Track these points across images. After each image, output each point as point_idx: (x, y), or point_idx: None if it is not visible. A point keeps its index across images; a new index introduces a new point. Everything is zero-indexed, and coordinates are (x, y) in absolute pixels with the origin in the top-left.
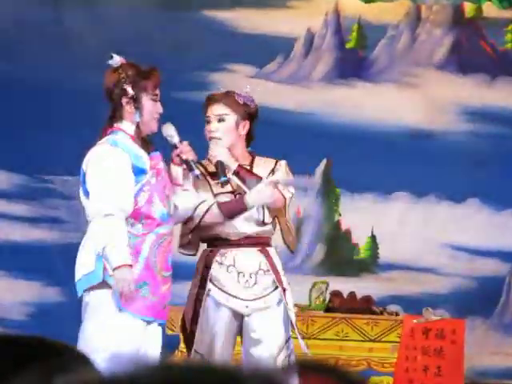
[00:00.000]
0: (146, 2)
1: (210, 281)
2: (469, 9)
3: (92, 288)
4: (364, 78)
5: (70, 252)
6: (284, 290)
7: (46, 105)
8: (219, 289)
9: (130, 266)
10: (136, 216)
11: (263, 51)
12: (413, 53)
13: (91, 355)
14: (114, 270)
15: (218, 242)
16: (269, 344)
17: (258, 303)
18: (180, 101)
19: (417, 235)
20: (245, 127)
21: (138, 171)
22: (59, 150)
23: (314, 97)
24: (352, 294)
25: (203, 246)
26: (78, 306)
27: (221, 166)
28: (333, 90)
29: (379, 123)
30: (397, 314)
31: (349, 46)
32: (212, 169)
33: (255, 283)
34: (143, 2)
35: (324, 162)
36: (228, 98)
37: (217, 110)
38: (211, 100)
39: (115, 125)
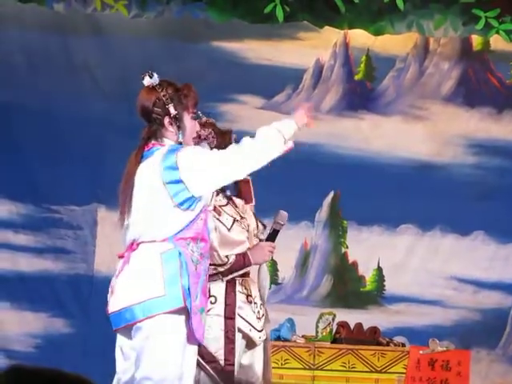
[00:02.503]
0: (154, 32)
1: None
2: (476, 42)
3: (168, 312)
4: (372, 109)
5: (76, 283)
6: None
7: (52, 133)
8: (242, 318)
9: None
10: (195, 238)
11: (272, 82)
12: (420, 85)
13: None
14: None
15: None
16: (256, 372)
17: (262, 334)
18: None
19: (422, 267)
20: None
21: None
22: (66, 179)
23: (323, 128)
24: (359, 325)
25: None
26: (86, 337)
27: None
28: (341, 121)
29: (386, 155)
30: (403, 346)
31: (357, 77)
32: None
33: (263, 315)
34: (152, 32)
35: (331, 194)
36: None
37: None
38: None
39: (155, 141)
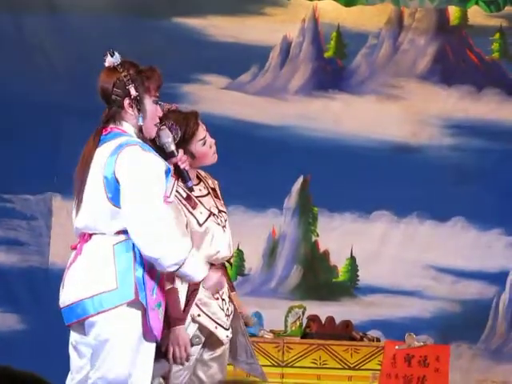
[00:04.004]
0: (112, 9)
1: (197, 305)
2: (454, 16)
3: (120, 306)
4: (343, 89)
5: (30, 276)
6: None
7: (4, 118)
8: (208, 316)
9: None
10: None
11: (237, 61)
12: (394, 63)
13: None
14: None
15: None
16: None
17: (229, 332)
18: None
19: (398, 256)
20: None
21: (166, 181)
22: (19, 166)
23: (291, 109)
24: (330, 319)
25: None
26: (40, 333)
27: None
28: (310, 102)
29: (359, 137)
30: (378, 340)
31: (327, 55)
32: None
33: (231, 311)
34: (109, 8)
35: (301, 178)
36: None
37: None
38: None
39: (113, 125)
